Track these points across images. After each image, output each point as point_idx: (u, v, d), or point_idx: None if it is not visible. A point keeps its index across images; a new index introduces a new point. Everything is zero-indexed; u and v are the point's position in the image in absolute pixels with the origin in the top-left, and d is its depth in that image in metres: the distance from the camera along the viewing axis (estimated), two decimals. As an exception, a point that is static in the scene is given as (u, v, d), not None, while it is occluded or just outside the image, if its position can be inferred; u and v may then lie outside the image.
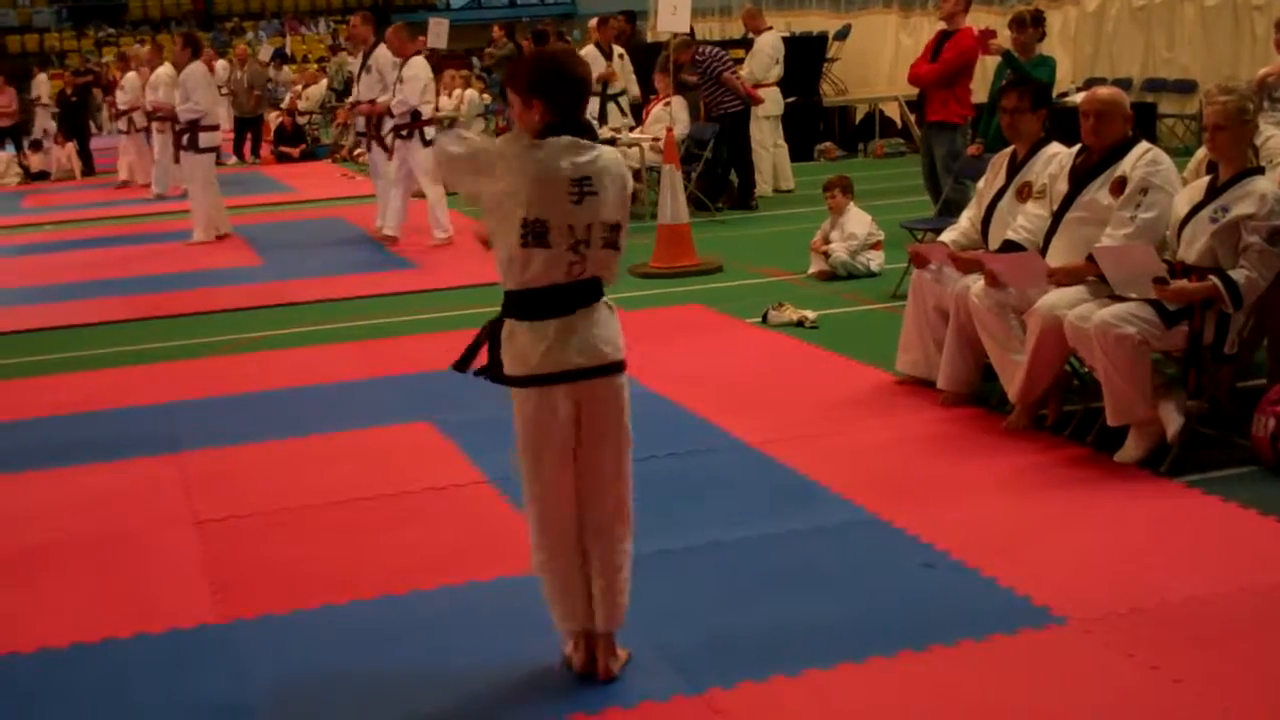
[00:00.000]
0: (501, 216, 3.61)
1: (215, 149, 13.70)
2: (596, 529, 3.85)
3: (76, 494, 5.85)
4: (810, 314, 8.20)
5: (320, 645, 4.24)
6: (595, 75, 14.41)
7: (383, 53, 12.15)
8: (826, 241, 9.61)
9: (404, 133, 11.87)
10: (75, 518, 5.57)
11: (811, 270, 9.63)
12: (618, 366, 3.74)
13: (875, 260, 9.52)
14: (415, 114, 11.82)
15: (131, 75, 17.90)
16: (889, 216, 10.15)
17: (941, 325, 6.44)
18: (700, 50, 13.24)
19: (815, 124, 17.49)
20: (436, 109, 12.84)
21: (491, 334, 3.72)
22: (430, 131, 11.93)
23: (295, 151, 21.38)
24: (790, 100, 15.39)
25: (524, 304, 3.66)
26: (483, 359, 3.76)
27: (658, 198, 10.72)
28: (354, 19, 13.08)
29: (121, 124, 18.64)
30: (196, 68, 13.15)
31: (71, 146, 21.02)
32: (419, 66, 11.90)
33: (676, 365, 7.34)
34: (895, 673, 3.89)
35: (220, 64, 22.32)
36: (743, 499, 5.41)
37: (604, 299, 3.75)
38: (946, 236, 6.68)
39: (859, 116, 18.66)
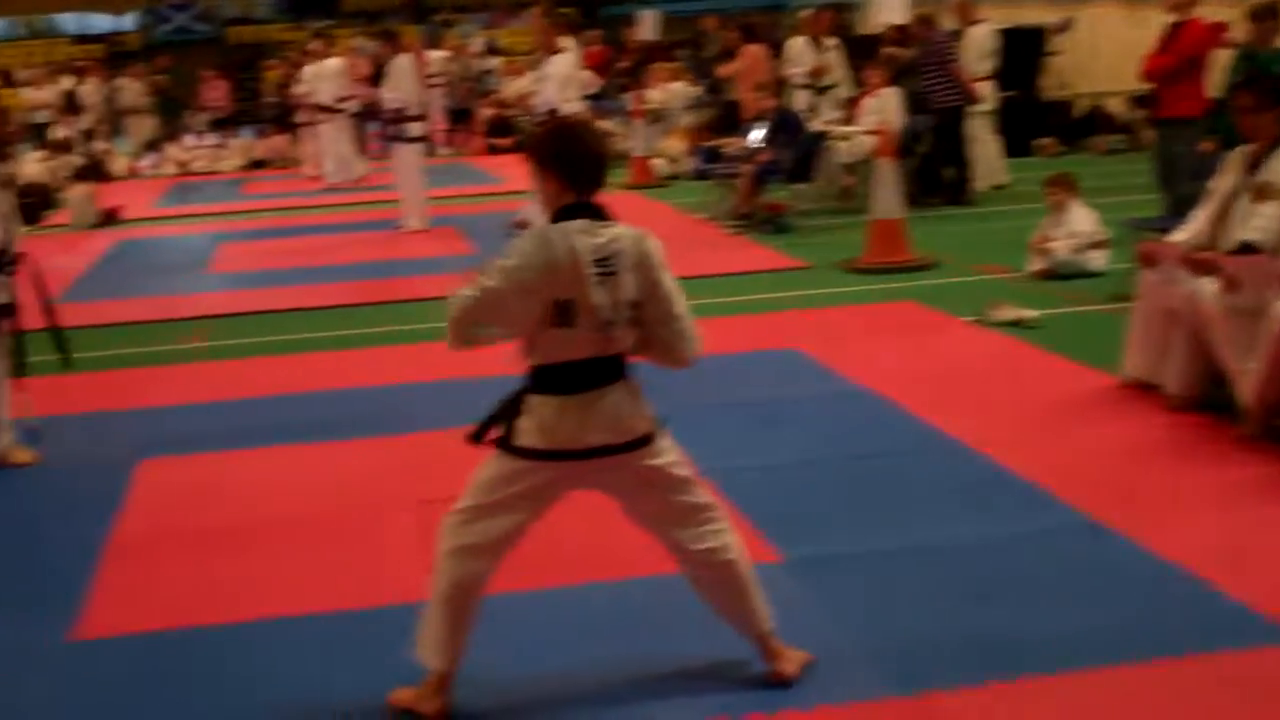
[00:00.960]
0: (523, 307, 3.57)
1: (422, 139, 13.99)
2: (697, 559, 3.81)
3: (303, 471, 6.03)
4: (1030, 313, 8.00)
5: (529, 627, 4.29)
6: (805, 69, 14.38)
7: None
8: (1047, 239, 9.39)
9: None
10: (304, 494, 5.75)
11: (1030, 268, 9.41)
12: (645, 440, 3.69)
13: (1098, 259, 9.25)
14: (553, 112, 11.70)
15: (309, 67, 18.43)
16: (1111, 215, 9.85)
17: (1171, 327, 6.22)
18: (938, 32, 12.95)
19: (1034, 119, 17.08)
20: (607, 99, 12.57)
21: (511, 406, 3.69)
22: None
23: (506, 143, 21.70)
24: (1008, 94, 15.06)
25: (550, 379, 3.63)
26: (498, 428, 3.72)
27: (870, 192, 10.60)
28: (535, 11, 13.09)
29: (301, 115, 19.21)
30: (403, 59, 13.45)
31: (288, 136, 21.72)
32: (562, 63, 11.85)
33: (889, 363, 7.24)
34: (1116, 683, 3.77)
35: (433, 55, 22.80)
36: (957, 501, 5.28)
37: (626, 375, 3.69)
38: (1178, 237, 6.44)
39: (1080, 112, 18.18)
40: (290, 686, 4.04)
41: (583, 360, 3.61)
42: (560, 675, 4.01)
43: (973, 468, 5.63)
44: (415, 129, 13.44)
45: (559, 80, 11.70)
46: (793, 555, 4.75)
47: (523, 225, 12.42)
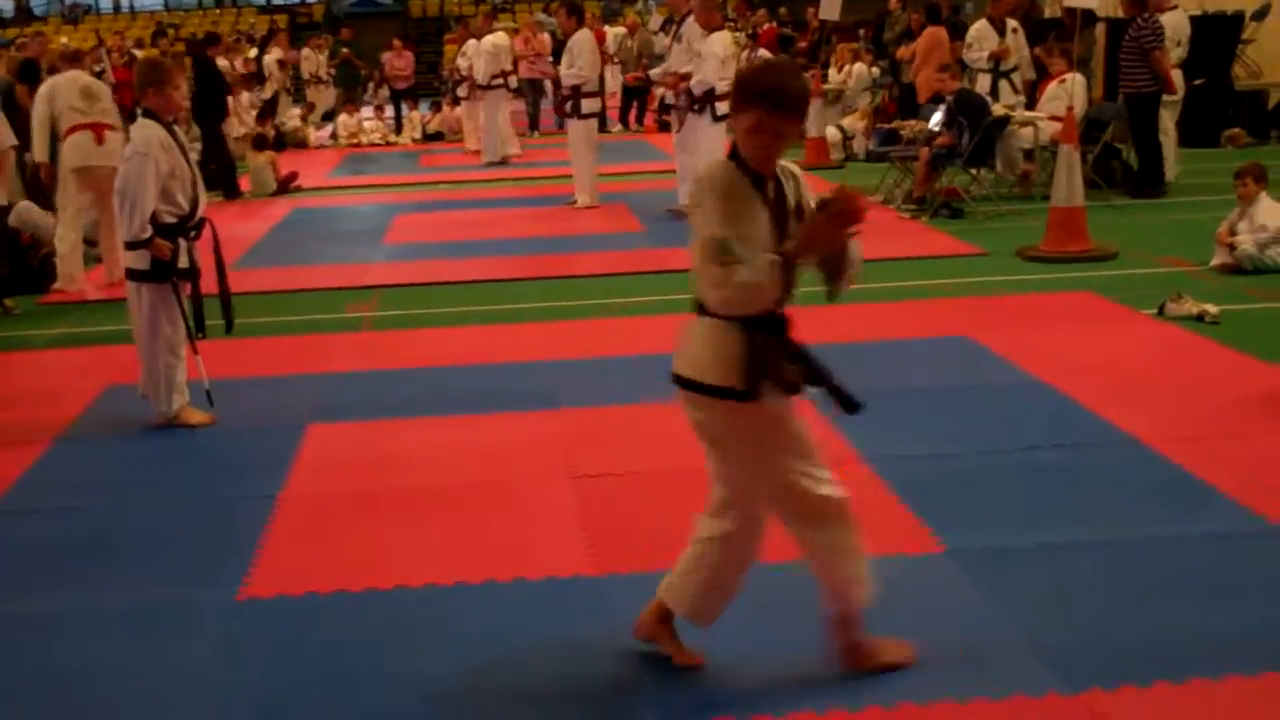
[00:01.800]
0: None
1: (596, 115, 14.01)
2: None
3: (462, 442, 6.10)
4: (1212, 308, 7.72)
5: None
6: (987, 52, 14.06)
7: (693, 23, 11.98)
8: (1233, 232, 9.05)
9: (696, 107, 11.74)
10: (461, 464, 5.82)
11: (1214, 262, 9.08)
12: (681, 381, 3.69)
13: (1286, 255, 8.90)
14: (710, 90, 11.58)
15: (472, 42, 18.58)
16: (1302, 209, 9.46)
17: (1364, 327, 5.95)
18: (1145, 16, 12.49)
19: (1224, 108, 16.48)
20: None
21: None
22: (722, 107, 11.51)
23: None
24: (1198, 82, 14.52)
25: None
26: None
27: (1049, 178, 10.32)
28: None
29: (462, 90, 19.34)
30: (583, 34, 13.51)
31: (461, 109, 21.97)
32: (717, 43, 11.65)
33: (1064, 354, 7.05)
34: (1286, 690, 3.63)
35: (611, 31, 22.84)
36: (1130, 497, 5.13)
37: (701, 315, 3.63)
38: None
39: (1273, 102, 17.49)
40: (442, 656, 4.07)
41: None
42: (730, 657, 3.96)
43: (1146, 465, 5.46)
44: (589, 105, 13.47)
45: (716, 60, 11.57)
46: (956, 546, 4.66)
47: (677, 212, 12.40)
